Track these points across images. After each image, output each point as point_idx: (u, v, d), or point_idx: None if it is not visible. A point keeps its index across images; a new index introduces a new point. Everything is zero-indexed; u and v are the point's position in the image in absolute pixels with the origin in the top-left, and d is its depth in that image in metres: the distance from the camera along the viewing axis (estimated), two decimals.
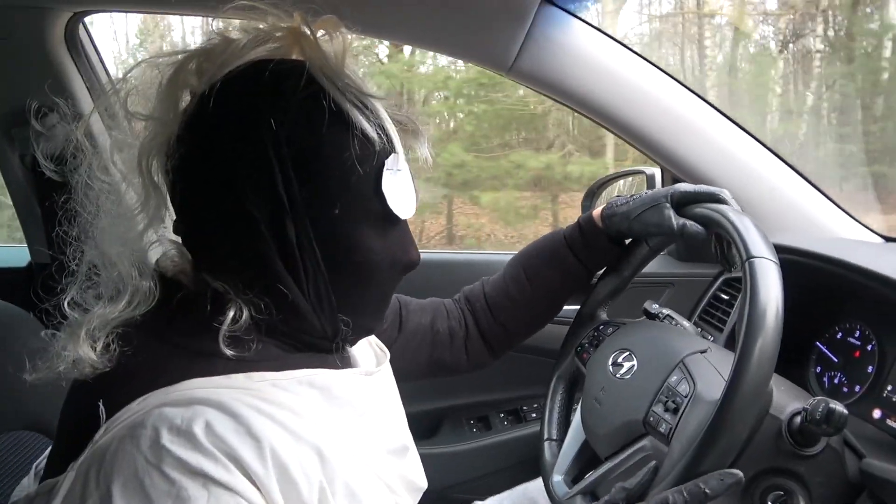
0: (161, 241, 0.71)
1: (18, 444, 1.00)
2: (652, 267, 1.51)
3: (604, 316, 1.06)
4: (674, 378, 0.83)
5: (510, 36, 1.13)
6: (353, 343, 0.74)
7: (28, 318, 1.10)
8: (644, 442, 0.82)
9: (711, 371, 0.81)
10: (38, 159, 1.36)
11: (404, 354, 1.01)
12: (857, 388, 1.03)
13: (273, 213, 0.62)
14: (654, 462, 0.75)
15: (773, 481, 0.78)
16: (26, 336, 1.02)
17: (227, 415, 0.56)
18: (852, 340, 1.08)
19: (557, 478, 0.94)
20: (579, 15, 1.15)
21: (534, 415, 1.64)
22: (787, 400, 0.78)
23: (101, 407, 0.58)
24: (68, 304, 0.65)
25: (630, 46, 1.20)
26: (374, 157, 0.64)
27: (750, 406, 0.66)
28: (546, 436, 1.03)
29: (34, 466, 0.77)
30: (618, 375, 0.91)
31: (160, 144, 0.65)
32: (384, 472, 0.70)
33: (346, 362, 0.74)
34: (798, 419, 0.75)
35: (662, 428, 0.79)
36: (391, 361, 0.99)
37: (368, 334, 0.76)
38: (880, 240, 1.36)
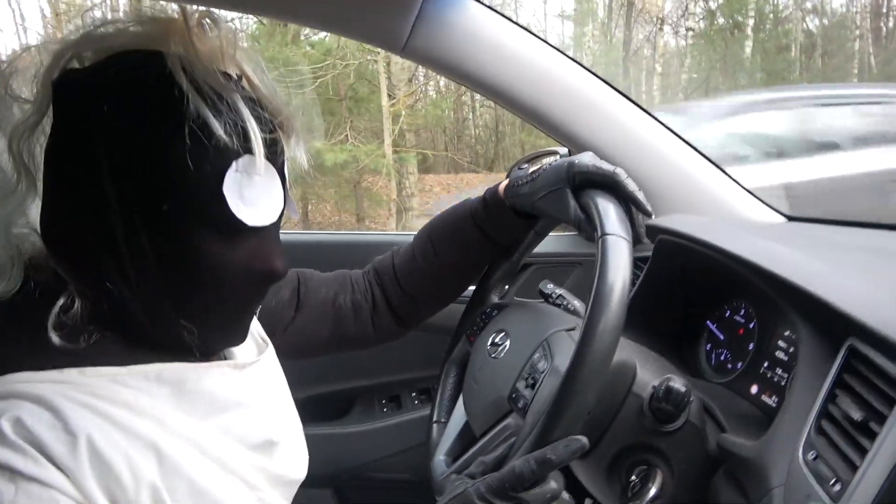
0: (27, 225, 0.68)
1: None
2: (560, 247, 1.53)
3: (494, 299, 1.07)
4: (536, 355, 0.84)
5: (401, 14, 1.10)
6: (209, 353, 0.71)
7: None
8: (509, 419, 0.83)
9: (571, 347, 0.82)
10: None
11: (304, 331, 1.00)
12: (739, 364, 1.05)
13: (98, 206, 0.60)
14: (512, 438, 0.77)
15: (637, 457, 0.81)
16: None
17: (45, 409, 0.55)
18: (738, 318, 1.10)
19: (439, 457, 0.95)
20: None
21: None
22: (649, 377, 0.80)
23: None
24: None
25: (525, 26, 1.19)
26: (218, 156, 0.60)
27: (594, 377, 0.67)
28: (435, 418, 1.03)
29: None
30: (493, 355, 0.92)
31: (31, 127, 0.63)
32: (242, 469, 0.69)
33: (213, 355, 0.73)
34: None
35: (521, 403, 0.81)
36: (290, 338, 0.98)
37: (226, 346, 0.73)
38: (783, 219, 1.39)
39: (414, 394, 1.66)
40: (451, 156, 10.30)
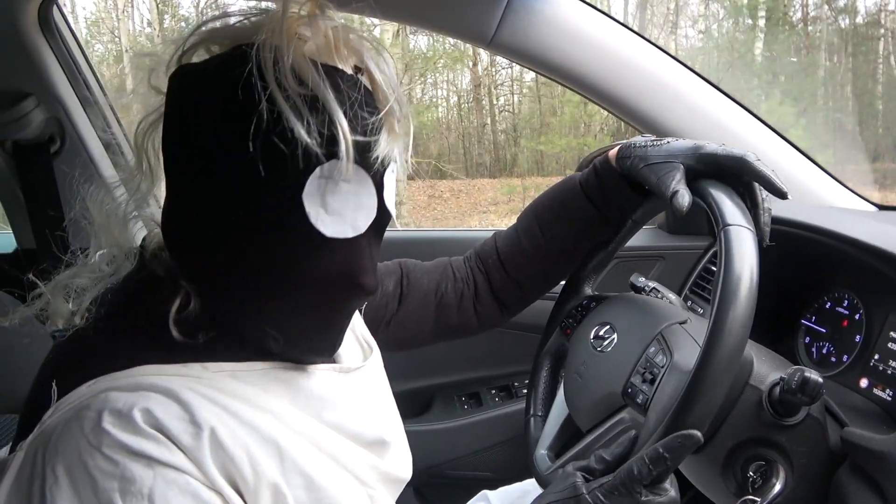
0: (149, 218, 0.70)
1: (3, 428, 1.00)
2: (642, 240, 1.51)
3: (588, 291, 1.04)
4: (652, 349, 0.81)
5: (489, 8, 1.10)
6: (299, 362, 0.68)
7: (16, 304, 1.10)
8: (623, 414, 0.82)
9: (689, 341, 0.80)
10: (17, 144, 1.37)
11: (408, 322, 0.98)
12: (845, 357, 1.02)
13: (191, 203, 0.60)
14: (633, 432, 0.74)
15: (754, 451, 0.78)
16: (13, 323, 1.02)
17: (174, 401, 0.56)
18: (840, 310, 1.07)
19: (541, 452, 0.94)
20: None
21: (524, 391, 1.63)
22: (767, 370, 0.77)
23: (54, 388, 0.58)
24: (54, 289, 0.66)
25: (612, 15, 1.18)
26: (299, 162, 0.55)
27: (724, 374, 0.65)
28: (532, 411, 1.02)
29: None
30: (598, 349, 0.90)
31: (154, 122, 0.65)
32: (356, 466, 0.69)
33: (319, 359, 0.71)
34: (777, 389, 0.74)
35: (640, 399, 0.79)
36: (394, 330, 0.97)
37: (315, 357, 0.69)
38: (874, 209, 1.34)
39: (493, 391, 1.65)
40: (435, 163, 10.03)
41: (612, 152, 0.91)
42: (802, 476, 0.77)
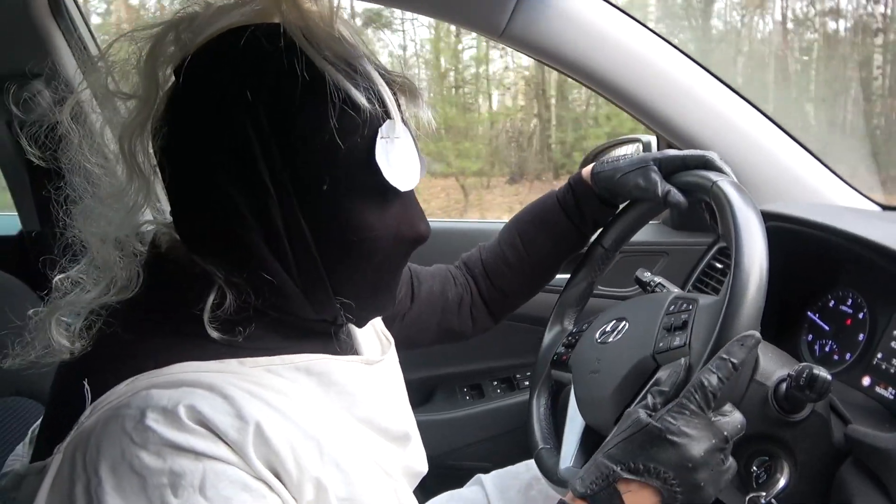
0: (155, 222, 0.68)
1: (10, 410, 1.00)
2: (646, 236, 1.51)
3: (570, 325, 1.06)
4: (672, 307, 0.83)
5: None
6: (361, 324, 0.72)
7: (20, 286, 1.10)
8: (659, 374, 0.79)
9: (706, 296, 0.83)
10: (24, 125, 1.37)
11: (415, 324, 1.01)
12: (848, 355, 1.03)
13: (254, 194, 0.58)
14: (684, 359, 0.73)
15: (759, 447, 0.79)
16: (17, 303, 1.02)
17: (218, 396, 0.56)
18: (844, 308, 1.07)
19: (566, 465, 0.91)
20: None
21: (526, 382, 1.65)
22: (773, 367, 0.78)
23: (87, 387, 0.57)
24: (52, 323, 0.63)
25: (623, 8, 1.18)
26: (366, 126, 0.59)
27: (760, 277, 0.68)
28: (541, 445, 1.00)
29: (30, 431, 0.76)
30: (610, 340, 0.90)
31: (142, 123, 0.61)
32: (383, 460, 0.69)
33: (347, 349, 0.73)
34: (784, 386, 0.75)
35: (676, 342, 0.78)
36: (404, 329, 0.99)
37: (380, 314, 0.73)
38: (878, 208, 1.35)
39: (495, 382, 1.66)
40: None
41: (586, 170, 0.99)
42: (806, 472, 0.78)
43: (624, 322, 0.90)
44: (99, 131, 0.66)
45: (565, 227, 1.01)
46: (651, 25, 1.20)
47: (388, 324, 0.90)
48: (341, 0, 0.61)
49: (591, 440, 0.91)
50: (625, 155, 0.96)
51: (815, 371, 0.70)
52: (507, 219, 1.11)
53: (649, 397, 0.66)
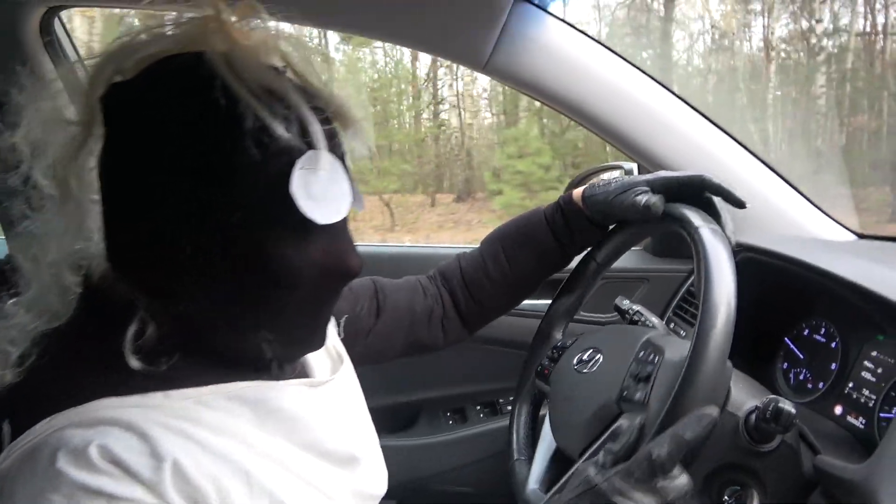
0: (87, 251, 0.66)
1: None
2: (627, 263, 1.53)
3: (559, 336, 1.07)
4: (641, 353, 0.85)
5: (485, 32, 1.13)
6: (289, 360, 0.70)
7: None
8: (620, 421, 0.81)
9: (677, 343, 0.84)
10: None
11: (382, 338, 1.00)
12: (821, 384, 1.05)
13: (174, 223, 0.57)
14: (638, 419, 0.75)
15: (730, 476, 0.80)
16: None
17: (135, 434, 0.54)
18: (818, 338, 1.09)
19: (532, 487, 0.94)
20: (553, 12, 1.15)
21: (509, 407, 1.64)
22: (744, 397, 0.79)
23: (6, 428, 0.55)
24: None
25: (604, 42, 1.20)
26: (282, 156, 0.57)
27: (721, 349, 0.69)
28: (515, 456, 1.02)
29: None
30: (584, 370, 0.92)
31: (77, 149, 0.60)
32: (326, 485, 0.68)
33: (290, 372, 0.72)
34: (753, 416, 0.76)
35: (638, 396, 0.79)
36: (370, 344, 0.98)
37: (308, 351, 0.71)
38: (853, 237, 1.37)
39: (479, 406, 1.67)
40: None
41: (577, 192, 1.00)
42: (776, 501, 0.80)
43: (599, 355, 0.92)
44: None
45: (551, 246, 1.02)
46: (625, 53, 1.23)
47: (352, 340, 0.90)
48: (279, 30, 0.62)
49: (560, 462, 0.93)
50: (616, 178, 0.97)
51: (781, 404, 0.72)
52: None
53: (601, 454, 0.69)
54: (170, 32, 0.61)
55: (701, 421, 0.64)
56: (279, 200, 0.57)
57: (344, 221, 0.64)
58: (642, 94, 1.24)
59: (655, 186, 0.90)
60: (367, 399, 0.85)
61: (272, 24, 0.62)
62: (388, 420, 1.64)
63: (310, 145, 0.58)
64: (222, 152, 0.56)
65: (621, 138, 1.25)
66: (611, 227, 1.03)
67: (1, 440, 0.55)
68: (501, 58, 1.17)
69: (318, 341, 0.69)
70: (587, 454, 0.83)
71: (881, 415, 0.90)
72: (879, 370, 0.94)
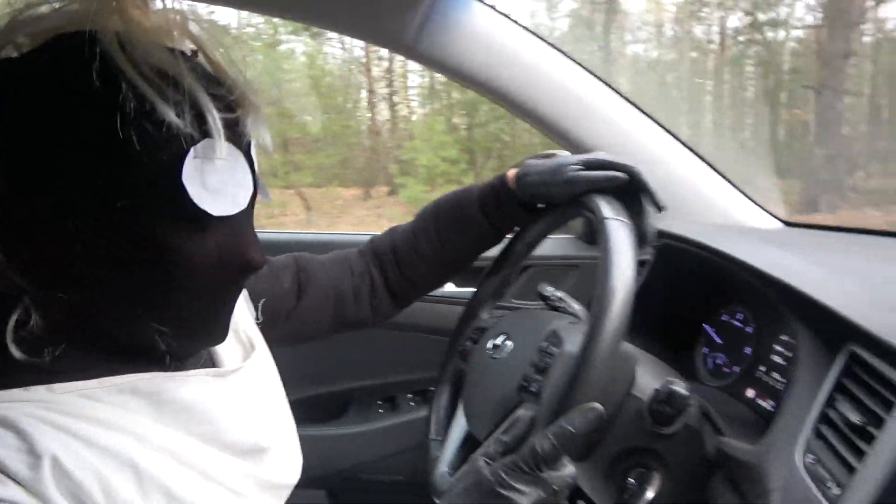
0: None
1: None
2: (558, 249, 1.54)
3: (486, 316, 1.07)
4: (544, 343, 0.84)
5: (407, 15, 1.11)
6: (184, 354, 0.67)
7: None
8: (519, 411, 0.81)
9: (579, 334, 0.83)
10: None
11: (305, 317, 0.99)
12: (736, 368, 1.06)
13: (50, 208, 0.54)
14: (529, 413, 0.76)
15: (635, 459, 0.81)
16: None
17: (9, 430, 0.52)
18: (735, 323, 1.11)
19: (442, 469, 0.94)
20: None
21: None
22: (649, 380, 0.80)
23: None
24: None
25: (530, 28, 1.20)
26: (173, 144, 0.54)
27: (610, 346, 0.68)
28: (432, 435, 1.02)
29: None
30: (494, 356, 0.91)
31: None
32: (226, 477, 0.66)
33: (193, 362, 0.69)
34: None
35: (533, 388, 0.80)
36: (291, 325, 0.96)
37: (207, 346, 0.69)
38: (780, 225, 1.40)
39: (409, 395, 1.66)
40: None
41: (511, 172, 0.98)
42: (677, 484, 0.80)
43: (510, 342, 0.91)
44: None
45: (483, 226, 1.01)
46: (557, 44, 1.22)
47: (271, 322, 0.88)
48: (176, 14, 0.58)
49: (469, 446, 0.93)
50: (552, 159, 0.95)
51: (673, 387, 0.72)
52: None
53: (492, 445, 0.69)
54: (66, 8, 0.57)
55: (586, 415, 0.65)
56: (170, 189, 0.55)
57: (246, 213, 0.62)
58: (570, 81, 1.24)
59: (590, 165, 0.89)
60: (296, 389, 0.84)
61: (183, 5, 0.59)
62: (319, 409, 1.62)
63: (207, 133, 0.55)
64: (107, 135, 0.53)
65: (549, 124, 1.25)
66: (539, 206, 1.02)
67: None
68: (426, 42, 1.15)
69: (218, 335, 0.67)
70: (489, 441, 0.83)
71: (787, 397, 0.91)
72: (790, 354, 0.95)
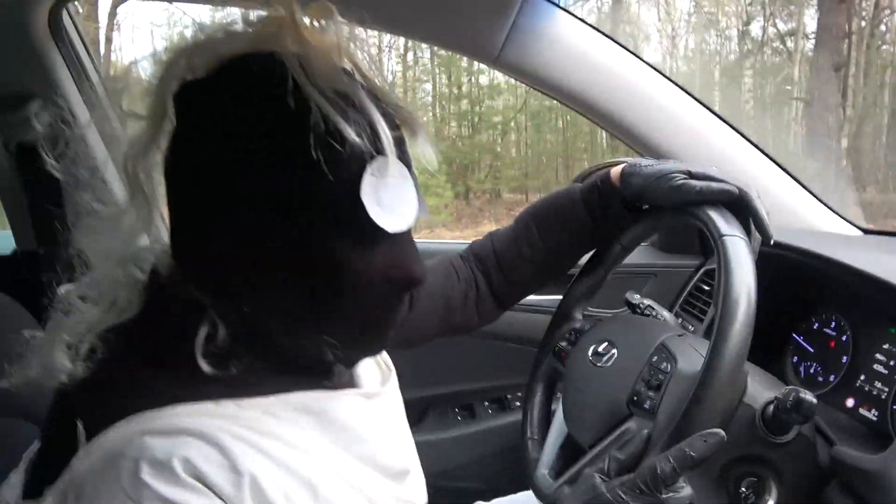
0: (153, 247, 0.66)
1: (8, 433, 1.00)
2: (635, 258, 1.53)
3: (579, 316, 1.07)
4: (655, 358, 0.84)
5: (496, 27, 1.13)
6: (349, 364, 0.70)
7: (16, 306, 1.10)
8: (629, 423, 0.83)
9: (690, 350, 0.84)
10: (21, 146, 1.38)
11: (416, 326, 0.98)
12: (832, 377, 1.05)
13: (231, 224, 0.57)
14: (645, 431, 0.76)
15: (747, 468, 0.81)
16: (13, 324, 1.02)
17: (212, 447, 0.54)
18: (828, 331, 1.10)
19: (542, 471, 0.95)
20: (564, 6, 1.16)
21: (518, 403, 1.65)
22: (760, 389, 0.80)
23: (81, 428, 0.55)
24: (56, 295, 0.62)
25: (614, 38, 1.21)
26: (353, 161, 0.56)
27: (732, 373, 0.69)
28: (528, 434, 1.03)
29: (24, 457, 0.75)
30: (599, 364, 0.92)
31: (146, 145, 0.60)
32: (379, 497, 0.68)
33: (344, 382, 0.71)
34: (770, 408, 0.77)
35: (647, 405, 0.80)
36: (403, 332, 0.94)
37: (369, 356, 0.71)
38: (859, 232, 1.38)
39: (487, 402, 1.67)
40: None
41: (615, 170, 0.96)
42: (793, 493, 0.80)
43: (614, 349, 0.92)
44: (99, 149, 0.65)
45: (585, 224, 0.99)
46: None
47: None
48: (349, 32, 0.60)
49: (570, 450, 0.94)
50: (659, 161, 0.93)
51: (801, 394, 0.72)
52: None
53: (607, 460, 0.69)
54: (242, 31, 0.60)
55: (708, 441, 0.64)
56: (349, 206, 0.57)
57: (408, 230, 0.63)
58: (652, 89, 1.24)
59: (696, 176, 0.86)
60: None
61: (343, 26, 0.60)
62: None
63: (379, 151, 0.57)
64: (295, 155, 0.55)
65: (631, 133, 1.25)
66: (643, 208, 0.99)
67: (76, 439, 0.55)
68: (512, 52, 1.17)
69: (379, 347, 0.69)
70: (595, 450, 0.84)
71: (895, 407, 0.90)
72: (892, 363, 0.94)
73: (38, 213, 1.35)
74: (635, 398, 0.83)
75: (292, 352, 0.63)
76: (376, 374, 0.79)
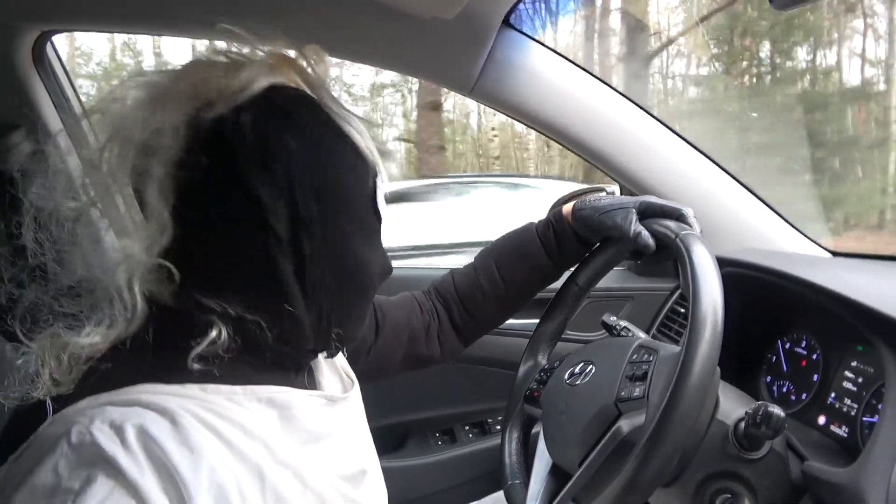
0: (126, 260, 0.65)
1: None
2: (612, 281, 1.56)
3: (543, 361, 1.09)
4: (635, 356, 0.87)
5: (472, 58, 1.16)
6: (334, 354, 0.75)
7: None
8: (620, 422, 0.81)
9: (668, 345, 0.87)
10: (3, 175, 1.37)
11: (381, 355, 1.02)
12: (804, 395, 1.08)
13: (292, 231, 0.62)
14: (637, 422, 0.79)
15: (721, 484, 0.82)
16: None
17: (168, 421, 0.56)
18: (799, 350, 1.13)
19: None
20: (537, 38, 1.19)
21: (498, 427, 1.66)
22: (733, 406, 0.82)
23: (49, 403, 0.57)
24: (29, 322, 0.62)
25: (586, 67, 1.24)
26: (371, 175, 0.68)
27: (713, 345, 0.72)
28: (510, 481, 1.03)
29: None
30: (578, 382, 0.91)
31: (162, 167, 0.61)
32: (334, 498, 0.69)
33: (311, 385, 0.75)
34: (742, 424, 0.79)
35: (637, 392, 0.81)
36: (370, 361, 1.00)
37: (351, 342, 0.75)
38: (828, 255, 1.42)
39: (467, 427, 1.68)
40: None
41: (567, 207, 1.04)
42: None
43: (591, 366, 0.93)
44: (80, 176, 0.66)
45: (543, 261, 1.05)
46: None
47: (353, 359, 0.91)
48: (332, 66, 0.70)
49: (557, 480, 0.93)
50: (604, 196, 1.02)
51: (770, 408, 0.74)
52: None
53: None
54: (253, 65, 0.65)
55: None
56: (368, 209, 0.69)
57: None
58: (623, 118, 1.28)
59: (640, 209, 0.95)
60: None
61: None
62: (378, 442, 1.60)
63: (376, 162, 0.69)
64: (337, 171, 0.64)
65: (604, 160, 1.29)
66: (595, 245, 1.05)
67: (45, 413, 0.56)
68: (488, 82, 1.20)
69: (361, 330, 0.77)
70: (586, 463, 0.84)
71: (864, 419, 0.92)
72: (860, 380, 0.97)
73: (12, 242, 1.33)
74: (622, 394, 0.83)
75: (309, 346, 0.69)
76: (337, 382, 0.83)
